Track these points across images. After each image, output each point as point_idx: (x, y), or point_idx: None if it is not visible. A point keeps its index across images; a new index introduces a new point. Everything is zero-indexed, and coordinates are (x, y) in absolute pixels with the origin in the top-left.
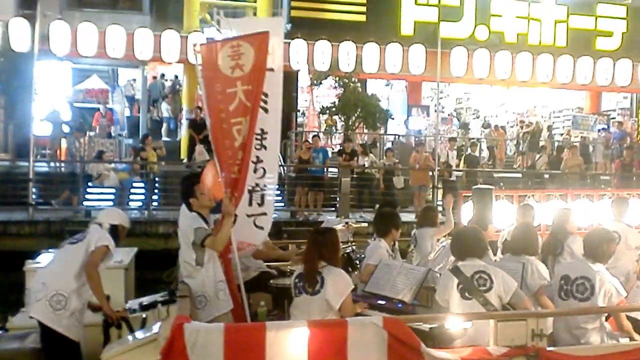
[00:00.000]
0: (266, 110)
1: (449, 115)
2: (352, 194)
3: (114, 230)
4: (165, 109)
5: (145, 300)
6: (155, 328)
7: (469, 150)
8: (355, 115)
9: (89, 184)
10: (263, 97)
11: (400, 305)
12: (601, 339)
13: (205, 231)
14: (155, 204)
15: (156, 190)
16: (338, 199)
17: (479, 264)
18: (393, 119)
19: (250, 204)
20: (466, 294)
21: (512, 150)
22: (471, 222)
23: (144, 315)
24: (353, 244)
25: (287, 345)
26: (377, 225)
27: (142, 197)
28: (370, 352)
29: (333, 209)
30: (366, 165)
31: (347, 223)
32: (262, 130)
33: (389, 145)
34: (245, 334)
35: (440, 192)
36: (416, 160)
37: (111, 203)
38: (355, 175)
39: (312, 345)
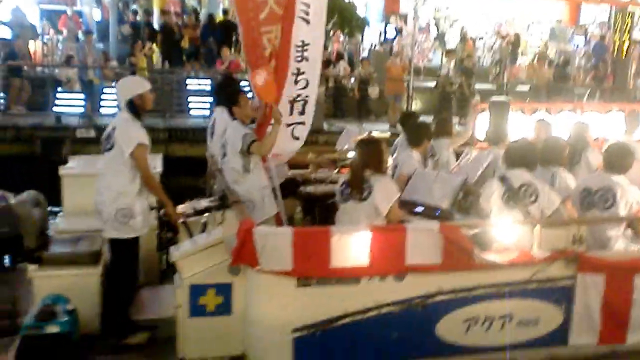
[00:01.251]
0: (307, 22)
1: (426, 24)
2: (327, 104)
3: (132, 105)
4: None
5: (197, 205)
6: (217, 232)
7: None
8: (331, 22)
9: (59, 89)
10: (304, 7)
11: (438, 212)
12: (625, 246)
13: (251, 137)
14: None
15: None
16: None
17: (527, 176)
18: (369, 26)
19: (291, 113)
20: (511, 203)
21: (489, 62)
22: (488, 135)
23: (203, 220)
24: None
25: (350, 248)
26: (410, 136)
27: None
28: (426, 254)
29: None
30: (340, 72)
31: (369, 133)
32: (302, 42)
33: (364, 54)
34: (312, 237)
35: (414, 102)
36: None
37: (82, 109)
38: (329, 85)
39: (373, 248)
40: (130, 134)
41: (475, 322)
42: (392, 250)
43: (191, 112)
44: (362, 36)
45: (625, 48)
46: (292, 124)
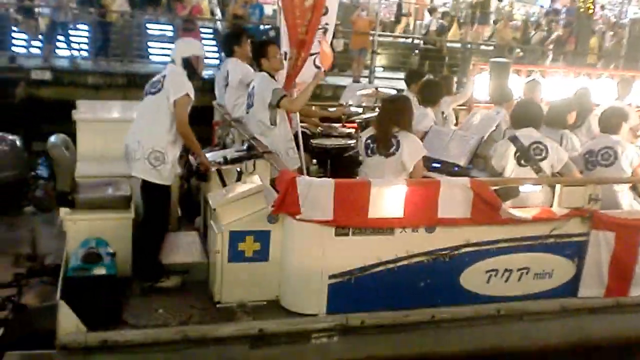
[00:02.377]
0: None
1: None
2: None
3: (188, 63)
4: None
5: (227, 154)
6: (255, 181)
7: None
8: None
9: (14, 28)
10: None
11: (456, 169)
12: (630, 200)
13: (281, 92)
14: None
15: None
16: None
17: (536, 134)
18: None
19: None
20: (522, 162)
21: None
22: (493, 95)
23: (238, 169)
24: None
25: (387, 200)
26: (424, 94)
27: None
28: (457, 208)
29: None
30: None
31: (376, 89)
32: None
33: None
34: (353, 189)
35: (378, 57)
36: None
37: (38, 51)
38: None
39: (408, 201)
40: (180, 84)
41: (496, 274)
42: (426, 204)
43: (151, 57)
44: None
45: (589, 13)
46: (315, 53)
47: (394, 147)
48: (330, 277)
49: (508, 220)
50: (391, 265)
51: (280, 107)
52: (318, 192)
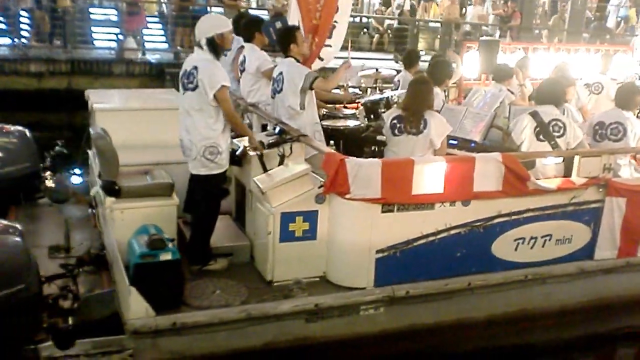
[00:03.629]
0: None
1: None
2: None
3: (213, 43)
4: None
5: (262, 139)
6: (301, 163)
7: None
8: None
9: None
10: None
11: (473, 145)
12: (630, 173)
13: (313, 74)
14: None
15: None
16: None
17: (555, 112)
18: None
19: None
20: (541, 137)
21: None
22: (495, 73)
23: (279, 153)
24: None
25: (429, 176)
26: (434, 73)
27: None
28: (490, 180)
29: None
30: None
31: (377, 70)
32: None
33: None
34: (398, 167)
35: None
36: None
37: None
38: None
39: (447, 176)
40: (214, 77)
41: (523, 241)
42: (463, 179)
43: (96, 43)
44: None
45: None
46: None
47: (422, 126)
48: (377, 252)
49: (534, 191)
50: (432, 238)
51: (314, 88)
52: (367, 171)
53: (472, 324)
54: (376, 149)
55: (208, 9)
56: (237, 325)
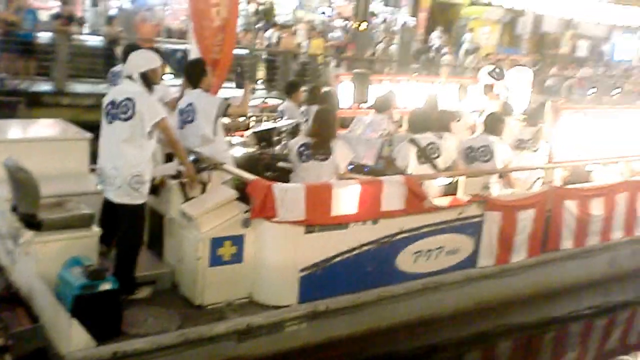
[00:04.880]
0: None
1: None
2: (71, 63)
3: (145, 78)
4: None
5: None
6: (226, 190)
7: None
8: None
9: None
10: None
11: (367, 169)
12: (499, 189)
13: (225, 102)
14: None
15: None
16: (53, 67)
17: (431, 137)
18: None
19: None
20: (421, 160)
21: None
22: (376, 103)
23: (200, 180)
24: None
25: (345, 198)
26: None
27: None
28: (395, 200)
29: (47, 77)
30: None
31: (264, 100)
32: None
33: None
34: (320, 190)
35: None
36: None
37: None
38: (73, 42)
39: (360, 197)
40: (154, 108)
41: (421, 254)
42: (373, 199)
43: None
44: None
45: (361, 30)
46: None
47: (329, 152)
48: (301, 270)
49: (430, 208)
50: (347, 255)
51: (230, 113)
52: (293, 195)
53: (380, 332)
54: (276, 174)
55: (36, 34)
56: (174, 350)
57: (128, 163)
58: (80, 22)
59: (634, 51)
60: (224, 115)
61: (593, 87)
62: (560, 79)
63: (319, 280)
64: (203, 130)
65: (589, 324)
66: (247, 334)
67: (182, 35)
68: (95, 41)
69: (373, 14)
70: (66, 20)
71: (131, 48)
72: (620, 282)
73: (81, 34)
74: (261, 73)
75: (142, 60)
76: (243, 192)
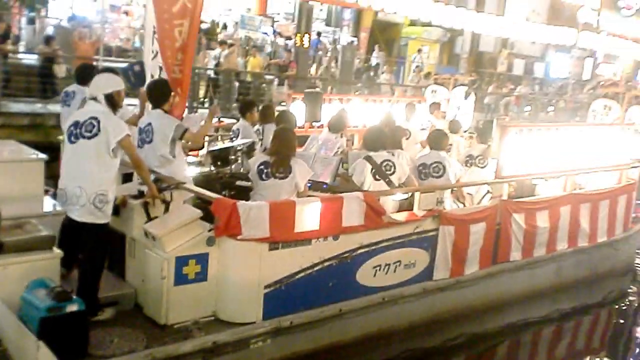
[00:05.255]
0: None
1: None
2: (6, 81)
3: (110, 99)
4: None
5: (137, 188)
6: (189, 209)
7: None
8: None
9: None
10: None
11: (325, 186)
12: (450, 205)
13: (183, 127)
14: None
15: None
16: None
17: (385, 154)
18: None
19: None
20: (377, 177)
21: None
22: (332, 123)
23: (162, 200)
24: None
25: (307, 215)
26: (279, 121)
27: None
28: (354, 216)
29: None
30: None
31: (219, 119)
32: None
33: (50, 31)
34: (283, 208)
35: None
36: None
37: None
38: (8, 60)
39: (322, 213)
40: (119, 126)
41: (379, 268)
42: (334, 216)
43: None
44: (47, 10)
45: (306, 39)
46: None
47: (289, 171)
48: (265, 287)
49: (388, 223)
50: (309, 271)
51: (184, 139)
52: (257, 213)
53: (343, 346)
54: (234, 193)
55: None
56: None
57: (92, 182)
58: (16, 40)
59: (567, 68)
60: (180, 139)
61: (528, 105)
62: (498, 97)
63: (282, 296)
64: (160, 151)
65: (538, 332)
66: (213, 352)
67: (120, 54)
68: (32, 59)
69: (319, 34)
70: (1, 38)
71: (86, 68)
72: (566, 291)
73: (17, 52)
74: (201, 92)
75: (107, 82)
76: (204, 211)
